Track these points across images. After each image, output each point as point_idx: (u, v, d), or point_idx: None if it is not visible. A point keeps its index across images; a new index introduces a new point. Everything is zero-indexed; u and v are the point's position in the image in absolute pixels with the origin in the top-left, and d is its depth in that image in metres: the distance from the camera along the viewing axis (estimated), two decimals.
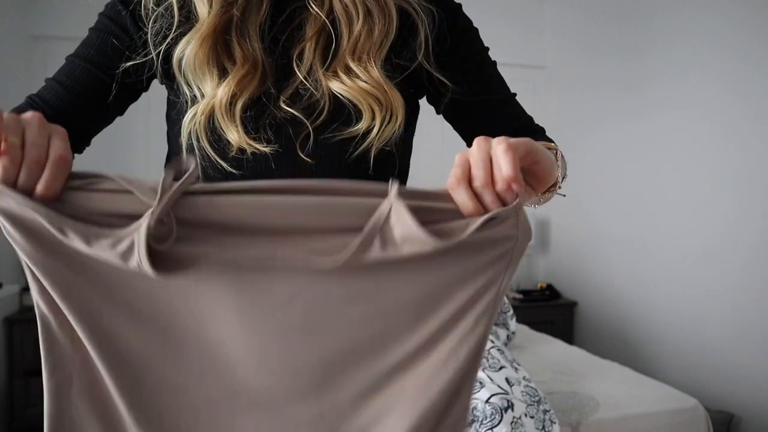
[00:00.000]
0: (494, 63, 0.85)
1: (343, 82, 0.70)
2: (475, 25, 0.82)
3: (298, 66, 0.72)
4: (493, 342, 1.69)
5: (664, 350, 2.58)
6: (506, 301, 2.28)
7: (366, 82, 0.70)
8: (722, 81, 2.29)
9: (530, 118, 0.87)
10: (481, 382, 1.43)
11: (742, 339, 2.19)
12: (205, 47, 0.68)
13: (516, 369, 1.53)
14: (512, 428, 1.29)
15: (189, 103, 0.72)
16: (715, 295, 2.32)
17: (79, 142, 0.78)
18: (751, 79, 2.17)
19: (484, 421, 1.31)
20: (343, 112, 0.72)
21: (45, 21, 2.82)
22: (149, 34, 0.72)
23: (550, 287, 3.27)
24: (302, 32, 0.73)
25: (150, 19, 0.72)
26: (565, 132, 3.33)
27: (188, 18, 0.71)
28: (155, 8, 0.71)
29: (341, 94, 0.70)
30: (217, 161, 0.71)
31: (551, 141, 0.79)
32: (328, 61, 0.71)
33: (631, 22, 2.81)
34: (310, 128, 0.71)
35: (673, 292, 2.54)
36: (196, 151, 0.72)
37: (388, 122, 0.71)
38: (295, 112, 0.71)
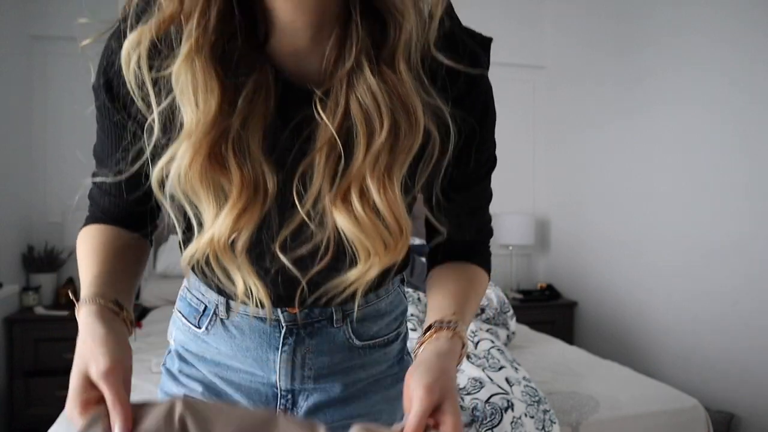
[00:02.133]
0: (495, 160, 0.73)
1: (352, 213, 0.58)
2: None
3: (300, 197, 0.60)
4: (493, 342, 1.69)
5: (664, 350, 2.58)
6: (506, 300, 2.28)
7: (380, 215, 0.58)
8: (722, 77, 2.29)
9: (490, 220, 0.79)
10: (481, 382, 1.43)
11: (742, 339, 2.19)
12: (195, 167, 0.55)
13: (516, 369, 1.53)
14: (512, 428, 1.29)
15: (181, 220, 0.62)
16: (715, 295, 2.32)
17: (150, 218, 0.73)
18: (753, 72, 2.17)
19: (484, 421, 1.31)
20: (344, 259, 0.62)
21: (45, 21, 2.82)
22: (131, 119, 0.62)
23: (550, 287, 3.27)
24: (312, 145, 0.59)
25: (128, 103, 0.61)
26: (565, 132, 3.33)
27: (173, 116, 0.57)
28: (133, 90, 0.57)
29: (346, 233, 0.59)
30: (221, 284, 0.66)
31: (488, 270, 0.79)
32: (339, 179, 0.58)
33: (631, 22, 2.81)
34: (304, 284, 0.65)
35: (673, 291, 2.54)
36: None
37: (384, 271, 0.62)
38: (290, 266, 0.62)
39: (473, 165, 0.68)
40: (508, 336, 2.20)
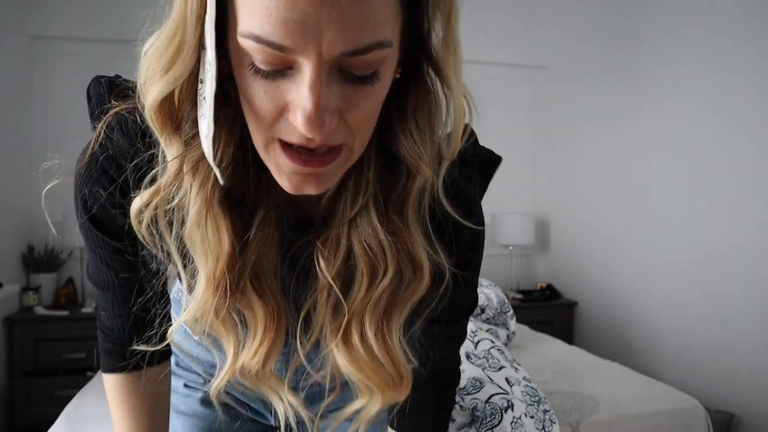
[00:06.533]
0: (476, 302, 0.73)
1: (353, 353, 0.57)
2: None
3: (304, 333, 0.60)
4: (493, 342, 1.69)
5: (664, 350, 2.58)
6: (506, 300, 2.28)
7: (381, 358, 0.57)
8: (723, 77, 2.29)
9: (459, 362, 0.76)
10: (481, 382, 1.43)
11: (742, 339, 2.19)
12: (216, 309, 0.55)
13: (516, 369, 1.53)
14: (512, 428, 1.29)
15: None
16: (715, 295, 2.32)
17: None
18: (756, 68, 2.17)
19: (484, 421, 1.31)
20: (350, 396, 0.62)
21: (45, 21, 2.82)
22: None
23: (550, 287, 3.27)
24: (311, 273, 0.59)
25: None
26: (565, 131, 3.33)
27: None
28: (147, 242, 0.56)
29: (343, 371, 0.59)
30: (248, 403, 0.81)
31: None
32: (341, 320, 0.57)
33: (631, 22, 2.81)
34: (315, 420, 0.68)
35: (673, 291, 2.54)
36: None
37: (385, 408, 0.62)
38: (299, 408, 0.64)
39: (455, 307, 0.65)
40: (508, 336, 2.20)
